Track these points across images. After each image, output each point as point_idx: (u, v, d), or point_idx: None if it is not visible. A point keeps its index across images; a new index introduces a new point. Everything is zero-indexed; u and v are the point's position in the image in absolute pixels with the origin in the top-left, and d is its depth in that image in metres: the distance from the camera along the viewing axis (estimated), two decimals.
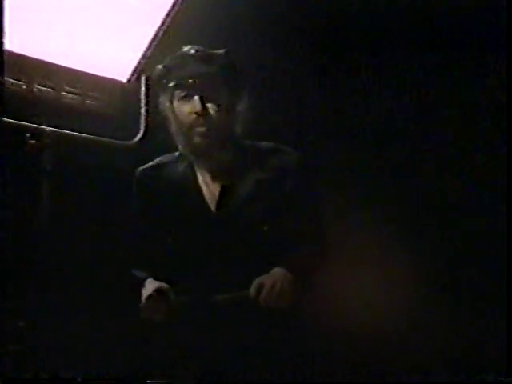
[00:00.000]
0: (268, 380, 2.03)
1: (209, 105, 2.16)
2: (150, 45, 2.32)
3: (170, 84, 2.20)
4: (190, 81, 2.16)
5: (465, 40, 2.54)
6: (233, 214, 2.17)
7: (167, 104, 2.23)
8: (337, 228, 2.21)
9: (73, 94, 2.24)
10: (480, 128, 2.58)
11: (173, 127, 2.24)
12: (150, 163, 2.32)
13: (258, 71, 2.58)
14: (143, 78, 2.37)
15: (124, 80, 2.37)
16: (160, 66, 2.22)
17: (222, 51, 2.23)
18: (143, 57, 2.34)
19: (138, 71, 2.36)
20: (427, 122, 2.64)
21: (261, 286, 2.04)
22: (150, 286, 2.11)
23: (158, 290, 2.07)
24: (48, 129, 2.10)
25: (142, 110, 2.38)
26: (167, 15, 2.29)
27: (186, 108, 2.18)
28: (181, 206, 2.21)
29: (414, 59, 2.59)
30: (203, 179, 2.24)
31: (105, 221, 2.35)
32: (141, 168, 2.31)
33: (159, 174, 2.28)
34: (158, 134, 2.40)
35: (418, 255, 2.09)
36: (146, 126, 2.38)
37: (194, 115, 2.16)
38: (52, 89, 2.19)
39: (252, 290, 2.05)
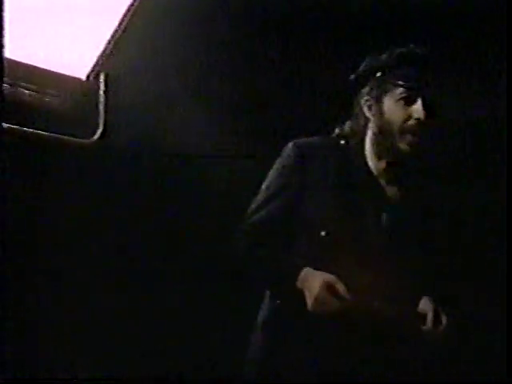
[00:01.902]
0: None
1: (432, 112, 2.02)
2: (109, 41, 2.28)
3: (389, 80, 2.05)
4: (416, 83, 2.02)
5: (464, 39, 2.55)
6: (406, 222, 2.06)
7: (369, 97, 2.09)
8: None
9: (30, 90, 2.20)
10: (480, 127, 2.60)
11: (364, 121, 2.11)
12: (309, 140, 2.14)
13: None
14: (102, 76, 2.35)
15: (83, 77, 2.34)
16: (376, 57, 2.10)
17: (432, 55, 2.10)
18: (102, 54, 2.30)
19: (97, 68, 2.32)
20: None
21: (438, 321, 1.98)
22: (318, 277, 1.93)
23: (329, 284, 1.90)
24: (5, 125, 2.06)
25: (101, 108, 2.35)
26: (127, 11, 2.26)
27: (405, 111, 2.03)
28: (349, 201, 2.06)
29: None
30: (380, 178, 2.11)
31: (66, 218, 2.31)
32: (299, 143, 2.11)
33: (324, 156, 2.10)
34: (118, 132, 2.38)
35: (418, 255, 2.07)
36: (105, 125, 2.35)
37: (414, 121, 2.02)
38: (9, 85, 2.14)
39: (429, 321, 1.98)
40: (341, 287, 1.92)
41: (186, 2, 2.57)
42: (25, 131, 2.12)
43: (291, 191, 2.09)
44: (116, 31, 2.28)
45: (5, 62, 2.10)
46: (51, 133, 2.21)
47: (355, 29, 2.54)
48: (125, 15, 2.27)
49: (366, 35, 2.40)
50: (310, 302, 1.94)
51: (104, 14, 2.25)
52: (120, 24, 2.28)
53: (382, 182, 2.12)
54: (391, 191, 2.12)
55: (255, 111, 2.67)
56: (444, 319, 2.00)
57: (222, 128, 2.57)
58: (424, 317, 2.01)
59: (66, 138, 2.25)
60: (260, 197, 2.13)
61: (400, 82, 2.04)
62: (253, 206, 2.13)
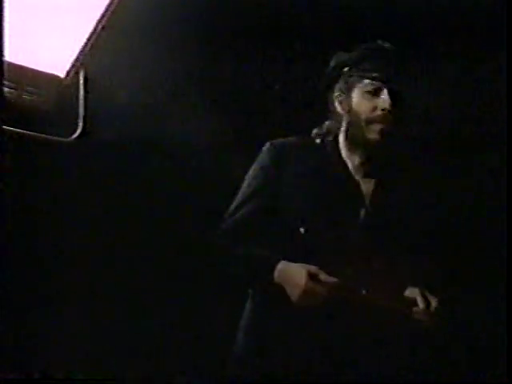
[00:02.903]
0: None
1: (397, 101, 2.04)
2: (89, 39, 2.26)
3: (356, 74, 2.08)
4: (381, 74, 2.04)
5: (464, 38, 2.56)
6: (384, 215, 2.06)
7: (339, 93, 2.12)
8: None
9: (9, 88, 2.17)
10: (479, 126, 2.61)
11: (338, 117, 2.13)
12: (286, 140, 2.16)
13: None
14: (82, 73, 2.33)
15: (62, 75, 2.31)
16: (345, 53, 2.12)
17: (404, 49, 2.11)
18: (82, 51, 2.28)
19: (76, 66, 2.30)
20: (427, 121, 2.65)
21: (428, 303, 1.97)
22: (301, 269, 1.92)
23: (313, 274, 1.90)
24: None
25: (81, 106, 2.33)
26: (107, 9, 2.24)
27: (372, 102, 2.06)
28: (326, 198, 2.06)
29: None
30: (356, 173, 2.12)
31: (46, 217, 2.28)
32: (276, 143, 2.14)
33: (300, 155, 2.13)
34: (97, 130, 2.36)
35: (419, 253, 2.07)
36: (85, 123, 2.33)
37: (380, 111, 2.04)
38: None
39: (420, 302, 1.96)
40: (324, 275, 1.92)
41: None
42: (2, 128, 2.09)
43: (268, 191, 2.12)
44: (96, 28, 2.26)
45: None
46: (29, 131, 2.18)
47: (340, 28, 2.55)
48: (104, 12, 2.26)
49: (350, 34, 2.40)
50: (296, 294, 1.93)
51: (83, 11, 2.23)
52: (100, 21, 2.25)
53: (359, 176, 2.13)
54: (368, 185, 2.12)
55: (242, 108, 2.66)
56: (434, 302, 1.98)
57: (205, 124, 2.56)
58: (413, 301, 1.98)
59: (45, 136, 2.23)
60: (239, 196, 2.15)
61: (365, 75, 2.07)
62: (233, 205, 2.15)
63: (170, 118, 2.59)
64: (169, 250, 2.51)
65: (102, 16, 2.26)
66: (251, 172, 2.16)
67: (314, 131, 2.21)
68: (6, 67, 2.13)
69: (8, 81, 2.15)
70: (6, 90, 2.15)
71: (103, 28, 2.27)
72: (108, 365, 2.17)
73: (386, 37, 2.13)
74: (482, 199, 2.58)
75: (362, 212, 2.08)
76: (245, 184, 2.16)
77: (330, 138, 2.17)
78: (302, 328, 1.99)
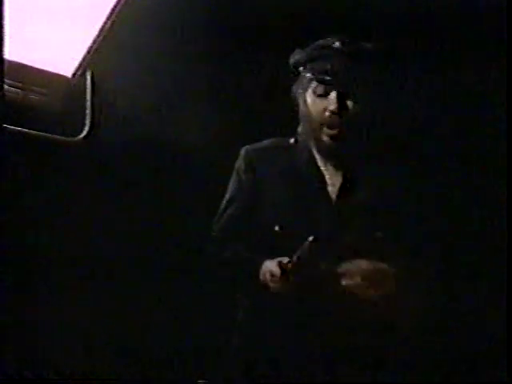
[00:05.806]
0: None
1: (346, 104, 2.03)
2: (95, 39, 2.27)
3: (307, 75, 2.07)
4: (328, 78, 2.02)
5: (464, 39, 2.55)
6: (352, 209, 2.06)
7: (300, 91, 2.11)
8: None
9: (16, 88, 2.18)
10: (479, 127, 2.60)
11: (302, 115, 2.13)
12: (260, 144, 2.19)
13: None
14: (88, 73, 2.34)
15: (69, 75, 2.33)
16: (300, 51, 2.10)
17: (368, 46, 2.05)
18: (88, 51, 2.30)
19: (83, 66, 2.32)
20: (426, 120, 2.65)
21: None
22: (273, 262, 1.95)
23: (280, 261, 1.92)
24: None
25: (88, 106, 2.35)
26: (113, 9, 2.26)
27: (321, 104, 2.04)
28: (298, 194, 2.08)
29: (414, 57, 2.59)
30: (326, 170, 2.13)
31: (51, 216, 2.29)
32: (249, 147, 2.17)
33: (273, 157, 2.15)
34: (104, 130, 2.37)
35: (418, 252, 2.06)
36: (92, 123, 2.35)
37: (328, 113, 2.03)
38: None
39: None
40: (285, 259, 1.92)
41: (171, 0, 2.58)
42: (9, 128, 2.11)
43: (245, 194, 2.16)
44: (102, 28, 2.27)
45: None
46: (36, 131, 2.20)
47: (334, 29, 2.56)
48: (111, 13, 2.27)
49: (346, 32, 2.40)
50: (272, 283, 1.94)
51: (90, 11, 2.25)
52: (106, 21, 2.27)
53: (330, 171, 2.12)
54: (338, 179, 2.12)
55: (245, 109, 2.67)
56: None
57: (210, 125, 2.56)
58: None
59: (51, 135, 2.25)
60: (223, 201, 2.20)
61: (315, 76, 2.06)
62: (219, 211, 2.20)
63: (176, 119, 2.60)
64: (171, 250, 2.52)
65: (109, 17, 2.28)
66: (231, 178, 2.21)
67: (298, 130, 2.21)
68: (13, 67, 2.15)
69: (15, 81, 2.17)
70: (12, 89, 2.17)
71: (110, 28, 2.28)
72: (107, 365, 2.18)
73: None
74: (454, 193, 2.56)
75: (333, 206, 2.09)
76: (228, 189, 2.21)
77: (303, 137, 2.17)
78: (294, 327, 2.00)
